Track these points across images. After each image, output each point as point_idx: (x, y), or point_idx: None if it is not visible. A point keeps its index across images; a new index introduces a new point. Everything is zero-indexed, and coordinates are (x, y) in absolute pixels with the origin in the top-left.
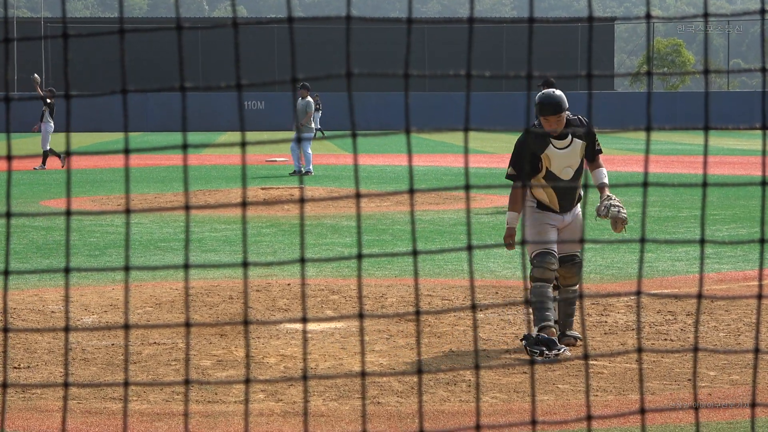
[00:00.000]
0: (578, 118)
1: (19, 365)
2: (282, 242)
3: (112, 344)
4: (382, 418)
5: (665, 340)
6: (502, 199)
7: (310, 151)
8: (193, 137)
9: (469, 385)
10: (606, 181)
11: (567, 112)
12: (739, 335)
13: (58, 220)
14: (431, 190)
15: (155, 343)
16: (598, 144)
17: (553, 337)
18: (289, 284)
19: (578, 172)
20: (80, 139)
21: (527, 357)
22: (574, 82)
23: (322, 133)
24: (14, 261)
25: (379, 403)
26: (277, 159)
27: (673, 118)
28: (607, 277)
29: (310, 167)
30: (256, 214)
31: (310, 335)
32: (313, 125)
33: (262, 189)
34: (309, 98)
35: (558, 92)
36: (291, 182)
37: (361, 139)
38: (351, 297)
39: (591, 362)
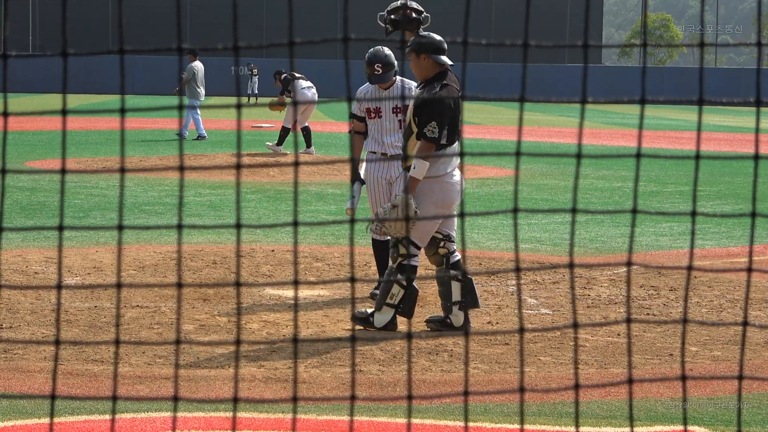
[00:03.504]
0: (438, 84)
1: (2, 325)
2: (266, 208)
3: (95, 306)
4: (363, 386)
5: (648, 314)
6: (488, 169)
7: (193, 117)
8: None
9: (451, 355)
10: (412, 175)
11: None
12: (721, 311)
13: (42, 180)
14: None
15: (138, 306)
16: (429, 129)
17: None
18: (273, 250)
19: (404, 134)
20: (68, 101)
21: (510, 328)
22: (562, 55)
23: (255, 99)
24: None
25: (360, 371)
26: (263, 125)
27: (660, 93)
28: (591, 250)
29: (185, 132)
30: (240, 179)
31: (290, 301)
32: (199, 90)
33: (248, 155)
34: (194, 63)
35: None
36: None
37: (340, 106)
38: (335, 264)
39: (573, 334)
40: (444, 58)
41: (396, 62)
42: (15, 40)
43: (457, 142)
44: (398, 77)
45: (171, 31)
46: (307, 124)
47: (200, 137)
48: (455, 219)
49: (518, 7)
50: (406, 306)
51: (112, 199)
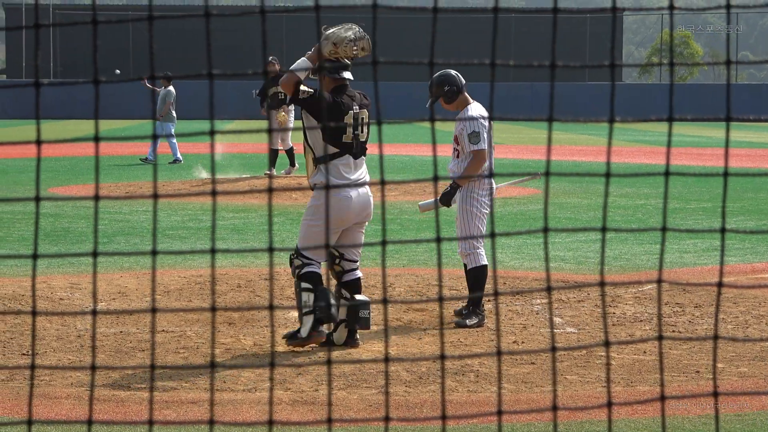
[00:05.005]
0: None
1: (28, 352)
2: (290, 231)
3: (121, 332)
4: (390, 407)
5: (673, 331)
6: (510, 189)
7: (173, 141)
8: (201, 125)
9: (477, 375)
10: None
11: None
12: (747, 327)
13: (66, 206)
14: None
15: (163, 330)
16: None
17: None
18: None
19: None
20: (87, 126)
21: (536, 347)
22: (582, 73)
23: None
24: (22, 248)
25: (387, 392)
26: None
27: (681, 110)
28: (615, 268)
29: (152, 157)
30: (263, 202)
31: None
32: (174, 114)
33: (267, 177)
34: (170, 87)
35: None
36: (296, 171)
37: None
38: None
39: (599, 353)
40: (345, 74)
41: (449, 85)
42: (40, 67)
43: (359, 158)
44: (472, 103)
45: (185, 56)
46: (291, 144)
47: (176, 161)
48: (360, 241)
49: (537, 27)
50: (323, 309)
51: (136, 224)
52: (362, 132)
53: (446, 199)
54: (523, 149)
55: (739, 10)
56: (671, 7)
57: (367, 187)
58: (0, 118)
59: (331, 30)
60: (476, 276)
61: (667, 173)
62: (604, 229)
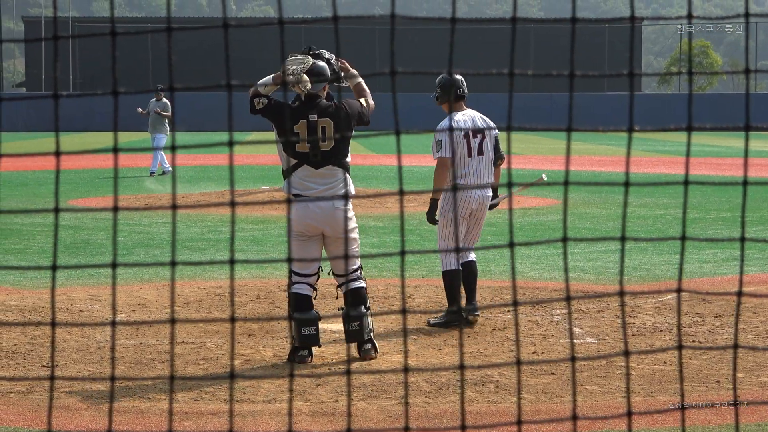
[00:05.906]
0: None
1: (48, 363)
2: None
3: (140, 343)
4: (410, 418)
5: (693, 341)
6: (530, 199)
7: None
8: (221, 136)
9: (497, 386)
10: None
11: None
12: (767, 337)
13: (85, 218)
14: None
15: (183, 342)
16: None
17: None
18: None
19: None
20: (107, 138)
21: (555, 357)
22: (601, 83)
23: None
24: (42, 260)
25: (407, 403)
26: None
27: (700, 120)
28: (635, 278)
29: (159, 167)
30: (281, 214)
31: (336, 335)
32: (167, 126)
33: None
34: (163, 99)
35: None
36: None
37: (383, 139)
38: (378, 297)
39: (619, 363)
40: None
41: (439, 88)
42: (60, 79)
43: (320, 168)
44: (457, 111)
45: (204, 67)
46: None
47: (153, 173)
48: (341, 255)
49: (557, 38)
50: (296, 336)
51: (155, 236)
52: (323, 141)
53: (428, 217)
54: (543, 159)
55: (758, 20)
56: (689, 16)
57: (335, 201)
58: (20, 130)
59: (303, 60)
60: (444, 280)
61: (686, 182)
62: (623, 239)
